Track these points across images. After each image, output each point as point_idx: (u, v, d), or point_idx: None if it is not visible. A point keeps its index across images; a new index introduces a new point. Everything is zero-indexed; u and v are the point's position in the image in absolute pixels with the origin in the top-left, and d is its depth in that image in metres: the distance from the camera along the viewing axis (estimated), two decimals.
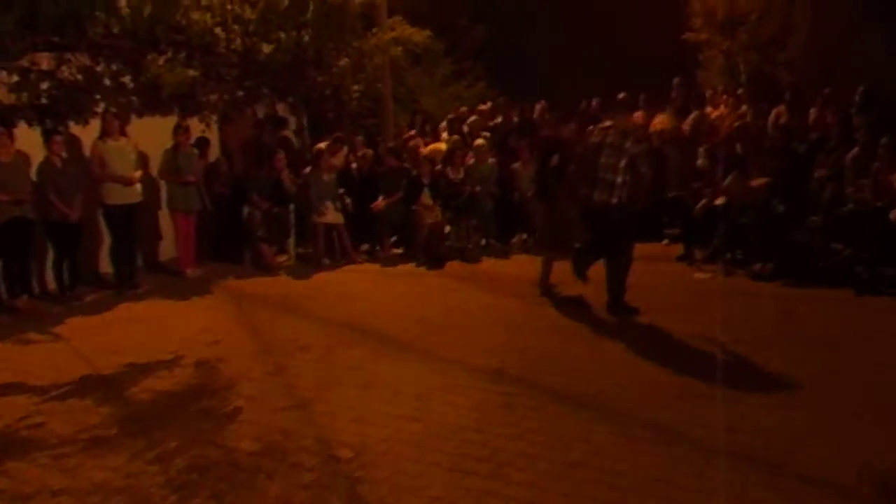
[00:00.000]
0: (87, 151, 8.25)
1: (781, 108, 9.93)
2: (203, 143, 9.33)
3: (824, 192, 7.72)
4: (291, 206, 9.51)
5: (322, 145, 10.48)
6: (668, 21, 16.07)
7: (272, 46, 8.82)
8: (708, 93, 11.15)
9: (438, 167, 9.73)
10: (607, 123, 6.77)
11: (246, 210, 9.25)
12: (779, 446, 3.93)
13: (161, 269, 9.35)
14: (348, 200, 9.82)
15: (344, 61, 10.22)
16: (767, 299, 6.73)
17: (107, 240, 8.59)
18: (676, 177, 9.35)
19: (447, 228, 9.62)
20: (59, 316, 7.31)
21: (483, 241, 9.67)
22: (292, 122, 11.24)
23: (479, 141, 10.00)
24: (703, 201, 8.23)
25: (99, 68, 7.64)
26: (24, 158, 7.60)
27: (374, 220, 9.68)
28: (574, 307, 6.78)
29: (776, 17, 14.03)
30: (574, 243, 6.83)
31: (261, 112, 10.44)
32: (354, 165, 10.29)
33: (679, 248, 8.59)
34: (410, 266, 9.03)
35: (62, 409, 4.97)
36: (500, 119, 11.18)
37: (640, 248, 9.04)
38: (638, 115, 11.00)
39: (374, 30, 10.82)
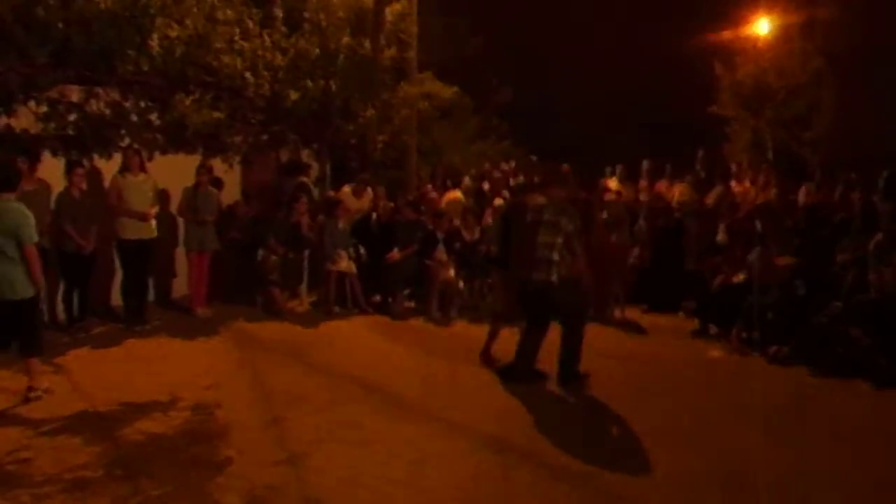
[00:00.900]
0: (107, 184, 8.32)
1: (810, 185, 9.86)
2: (216, 184, 9.30)
3: (846, 276, 7.56)
4: (306, 252, 9.49)
5: (346, 188, 10.51)
6: (696, 92, 16.20)
7: (299, 94, 8.99)
8: (733, 167, 11.10)
9: (456, 223, 9.69)
10: (541, 200, 6.49)
11: (261, 253, 9.23)
12: None
13: (172, 305, 9.34)
14: (363, 250, 9.78)
15: (370, 112, 10.38)
16: (782, 384, 6.53)
17: (119, 273, 8.60)
18: (695, 250, 9.26)
19: (461, 285, 9.53)
20: (65, 347, 7.26)
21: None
22: (315, 169, 11.31)
23: (499, 201, 9.98)
24: (721, 277, 8.10)
25: (127, 104, 7.81)
26: (46, 188, 7.64)
27: (387, 271, 9.62)
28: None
29: (803, 96, 14.06)
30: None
31: (284, 157, 10.53)
32: (375, 215, 10.28)
33: (694, 323, 8.43)
34: (421, 321, 8.93)
35: (51, 444, 4.88)
36: (521, 179, 11.17)
37: (654, 320, 9.02)
38: (661, 185, 11.02)
39: (403, 83, 10.98)
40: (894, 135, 11.53)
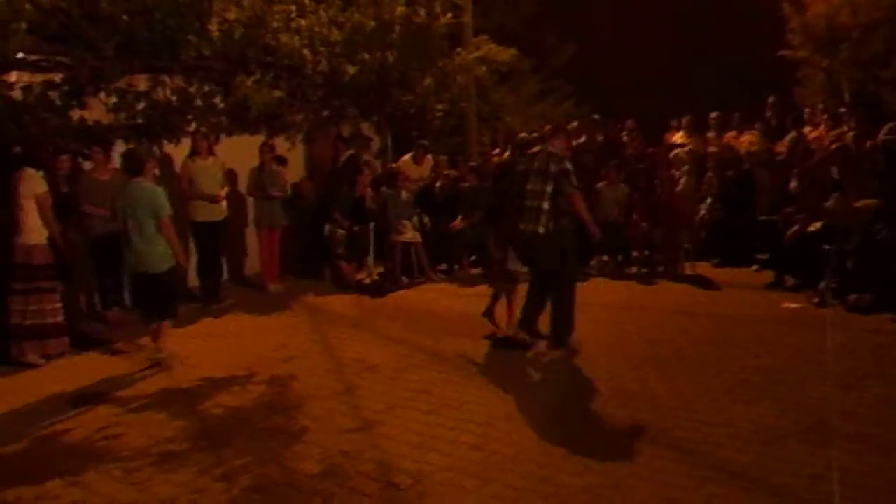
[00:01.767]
0: (177, 169, 8.58)
1: (891, 125, 9.33)
2: (280, 162, 9.46)
3: None
4: (371, 225, 9.61)
5: (406, 157, 10.56)
6: (765, 37, 15.52)
7: (357, 67, 9.00)
8: (806, 112, 10.61)
9: None
10: (536, 149, 6.35)
11: (327, 228, 9.40)
12: (870, 498, 3.64)
13: (246, 283, 9.64)
14: (427, 219, 9.84)
15: (428, 81, 10.33)
16: (863, 334, 6.31)
17: (194, 255, 8.89)
18: (768, 200, 8.96)
19: None
20: (146, 328, 7.58)
21: None
22: (377, 142, 11.38)
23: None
24: (796, 227, 7.82)
25: (191, 89, 7.97)
26: (121, 177, 7.92)
27: (452, 239, 9.66)
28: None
29: (880, 33, 13.27)
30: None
31: (346, 131, 10.62)
32: (439, 184, 10.30)
33: (768, 275, 8.19)
34: (487, 286, 8.92)
35: (140, 421, 5.14)
36: (583, 139, 10.93)
37: (727, 274, 8.81)
38: (730, 135, 10.65)
39: (459, 49, 10.87)
40: None
